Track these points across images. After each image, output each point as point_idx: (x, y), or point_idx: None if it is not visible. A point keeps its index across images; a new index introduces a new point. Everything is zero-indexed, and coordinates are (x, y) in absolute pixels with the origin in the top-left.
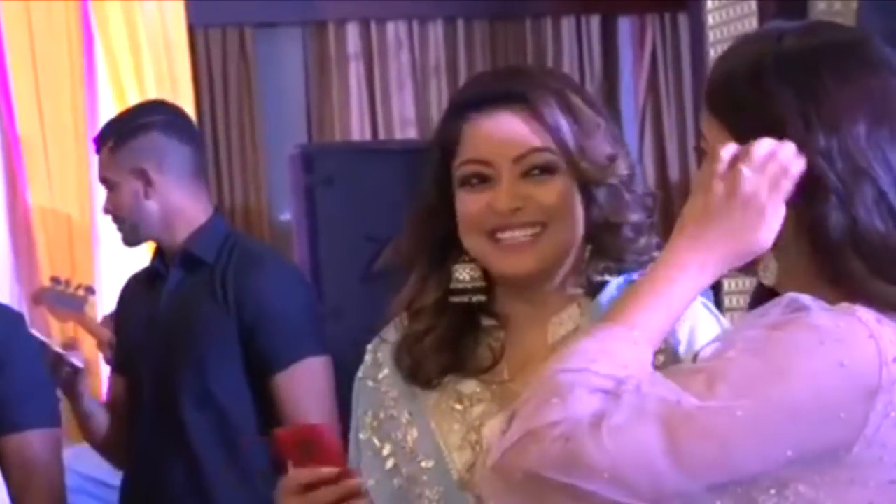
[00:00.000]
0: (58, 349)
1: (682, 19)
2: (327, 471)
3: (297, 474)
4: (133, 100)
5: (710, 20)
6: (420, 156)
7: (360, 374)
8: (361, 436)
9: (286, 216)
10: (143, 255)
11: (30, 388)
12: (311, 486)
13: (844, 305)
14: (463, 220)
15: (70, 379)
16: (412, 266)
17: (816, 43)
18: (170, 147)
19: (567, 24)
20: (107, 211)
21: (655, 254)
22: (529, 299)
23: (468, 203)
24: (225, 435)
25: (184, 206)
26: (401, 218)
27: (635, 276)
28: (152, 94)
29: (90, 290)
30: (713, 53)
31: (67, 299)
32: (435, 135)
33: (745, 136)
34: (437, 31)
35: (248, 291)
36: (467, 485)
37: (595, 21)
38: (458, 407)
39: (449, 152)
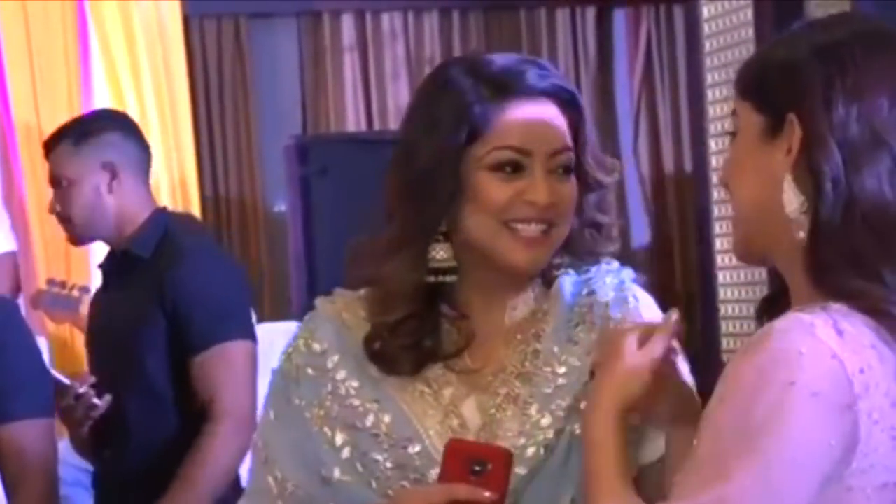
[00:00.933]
0: (78, 387)
1: (678, 11)
2: (488, 495)
3: (455, 488)
4: (129, 90)
5: (705, 12)
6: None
7: (292, 361)
8: (314, 428)
9: (281, 207)
10: None
11: (25, 377)
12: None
13: (806, 318)
14: (485, 204)
15: (85, 414)
16: (402, 247)
17: (849, 28)
18: (130, 148)
19: (562, 15)
20: (54, 210)
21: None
22: (494, 286)
23: (497, 190)
24: (167, 425)
25: (133, 206)
26: None
27: (593, 280)
28: (148, 86)
29: (85, 290)
30: (708, 45)
31: (63, 301)
32: (451, 111)
33: (771, 109)
34: (432, 22)
35: (171, 283)
36: None
37: (590, 12)
38: (427, 390)
39: (474, 133)
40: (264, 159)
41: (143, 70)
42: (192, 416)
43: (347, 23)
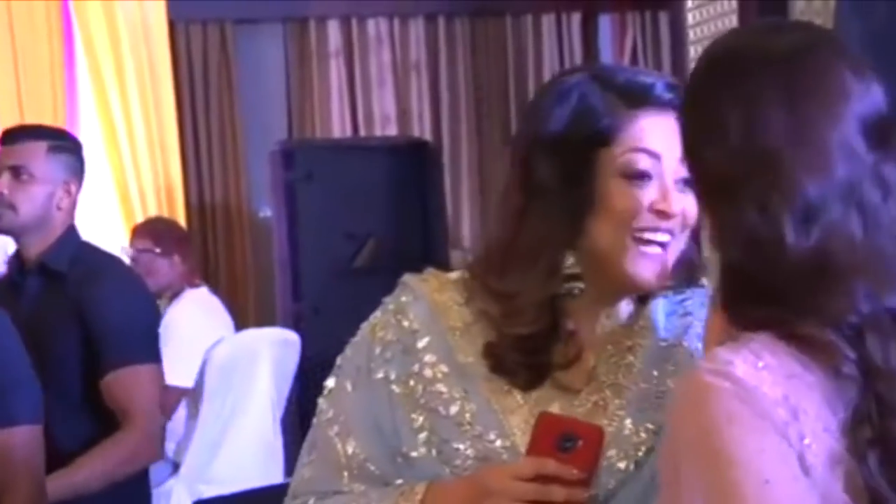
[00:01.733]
0: None
1: (663, 17)
2: (575, 471)
3: (543, 462)
4: (113, 94)
5: (690, 18)
6: (401, 152)
7: (376, 334)
8: (398, 404)
9: (266, 212)
10: (114, 250)
11: (14, 383)
12: (548, 479)
13: (726, 354)
14: (614, 212)
15: None
16: (536, 260)
17: (709, 57)
18: (82, 176)
19: (547, 21)
20: None
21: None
22: (602, 296)
23: (627, 197)
24: (82, 433)
25: (60, 225)
26: (381, 214)
27: (689, 302)
28: (132, 90)
29: None
30: (693, 52)
31: None
32: (582, 120)
33: (692, 144)
34: (417, 28)
35: (87, 301)
36: None
37: (576, 19)
38: (515, 389)
39: (606, 140)
40: (250, 165)
41: (127, 72)
42: (106, 425)
43: (333, 28)
